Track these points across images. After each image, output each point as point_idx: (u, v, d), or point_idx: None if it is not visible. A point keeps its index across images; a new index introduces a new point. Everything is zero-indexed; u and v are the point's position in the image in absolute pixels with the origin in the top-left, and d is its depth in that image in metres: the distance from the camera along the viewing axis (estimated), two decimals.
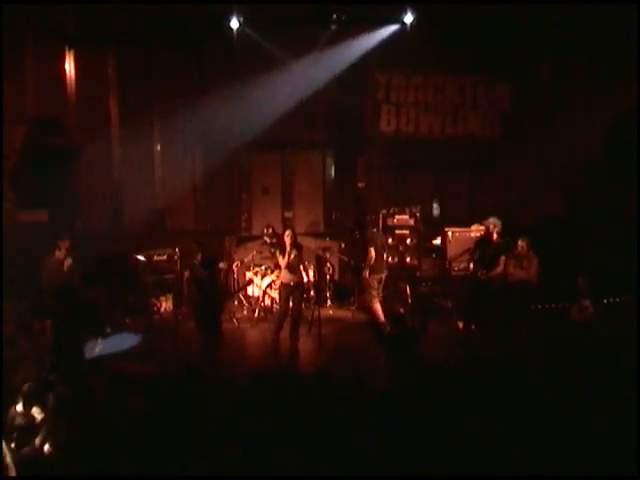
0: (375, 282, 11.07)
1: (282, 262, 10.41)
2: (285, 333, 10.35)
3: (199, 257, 10.06)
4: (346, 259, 12.92)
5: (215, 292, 10.34)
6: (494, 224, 10.75)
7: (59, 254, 10.19)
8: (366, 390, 5.86)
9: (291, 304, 10.45)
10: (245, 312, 12.38)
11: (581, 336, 9.68)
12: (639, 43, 11.03)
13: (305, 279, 11.14)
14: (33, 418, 5.99)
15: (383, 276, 11.21)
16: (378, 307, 11.02)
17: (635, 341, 6.72)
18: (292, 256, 10.33)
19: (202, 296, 9.99)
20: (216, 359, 9.36)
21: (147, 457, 5.00)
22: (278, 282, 11.38)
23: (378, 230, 12.08)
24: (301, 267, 10.68)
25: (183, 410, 5.62)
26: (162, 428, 5.34)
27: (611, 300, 10.93)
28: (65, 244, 10.23)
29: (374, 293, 11.07)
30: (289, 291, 10.44)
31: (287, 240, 10.36)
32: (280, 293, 10.85)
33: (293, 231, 10.62)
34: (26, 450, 5.65)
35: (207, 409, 5.75)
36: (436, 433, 4.92)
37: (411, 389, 6.25)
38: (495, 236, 10.78)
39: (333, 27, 12.86)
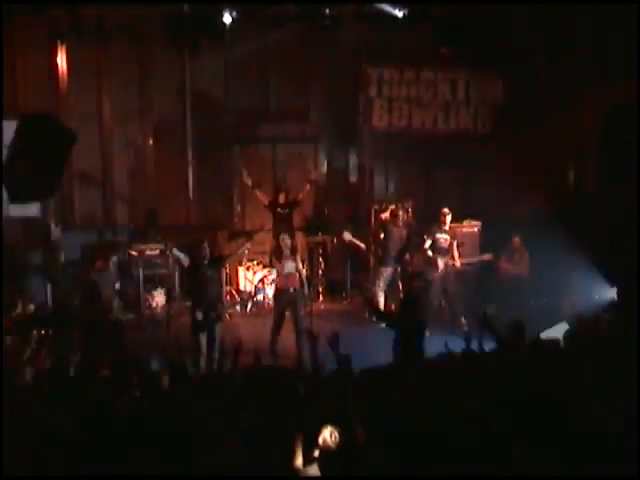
0: (385, 273, 11.26)
1: (279, 268, 9.93)
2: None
3: (205, 255, 9.34)
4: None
5: (218, 297, 9.82)
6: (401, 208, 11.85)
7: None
8: (361, 385, 5.86)
9: (289, 312, 9.87)
10: (237, 307, 12.40)
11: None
12: (639, 43, 11.04)
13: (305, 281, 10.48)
14: None
15: (391, 269, 11.36)
16: (381, 300, 11.12)
17: (630, 337, 6.74)
18: (290, 261, 9.85)
19: (202, 299, 9.30)
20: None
21: (140, 455, 4.99)
22: (272, 288, 11.22)
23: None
24: (299, 271, 10.09)
25: (175, 405, 5.61)
26: (155, 424, 5.32)
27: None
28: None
29: (381, 285, 11.22)
30: (286, 299, 9.85)
31: (282, 244, 9.94)
32: (275, 300, 10.23)
33: (289, 235, 10.29)
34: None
35: (199, 404, 5.74)
36: (429, 429, 4.93)
37: (404, 384, 6.25)
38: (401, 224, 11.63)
39: (326, 22, 12.84)
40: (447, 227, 11.41)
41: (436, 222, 11.45)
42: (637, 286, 9.67)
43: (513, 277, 11.30)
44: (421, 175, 14.40)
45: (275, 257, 10.00)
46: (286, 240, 9.94)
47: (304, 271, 10.77)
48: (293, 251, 10.01)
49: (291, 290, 9.81)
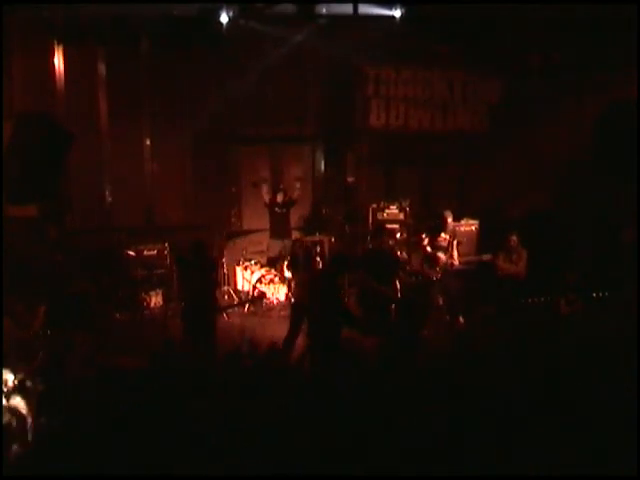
0: None
1: (297, 278, 9.18)
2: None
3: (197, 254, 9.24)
4: None
5: (210, 296, 9.49)
6: None
7: None
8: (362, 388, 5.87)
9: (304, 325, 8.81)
10: (236, 308, 12.38)
11: (570, 330, 9.73)
12: (639, 42, 11.06)
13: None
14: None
15: None
16: None
17: (627, 335, 6.76)
18: (305, 271, 9.13)
19: (193, 297, 9.23)
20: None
21: (136, 453, 5.00)
22: (280, 298, 11.18)
23: None
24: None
25: (172, 406, 5.61)
26: (150, 424, 5.33)
27: (600, 294, 11.00)
28: None
29: None
30: (302, 312, 8.80)
31: (301, 252, 9.33)
32: (292, 312, 9.26)
33: (303, 242, 9.78)
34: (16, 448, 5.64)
35: (197, 404, 5.74)
36: (426, 429, 4.94)
37: (402, 384, 6.26)
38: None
39: (322, 21, 12.86)
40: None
41: (436, 222, 11.47)
42: (637, 285, 9.69)
43: (511, 276, 11.30)
44: (418, 174, 14.41)
45: (293, 266, 9.33)
46: (301, 248, 9.47)
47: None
48: (310, 259, 9.33)
49: (306, 303, 8.82)
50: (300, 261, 9.24)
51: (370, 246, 12.14)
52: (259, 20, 12.72)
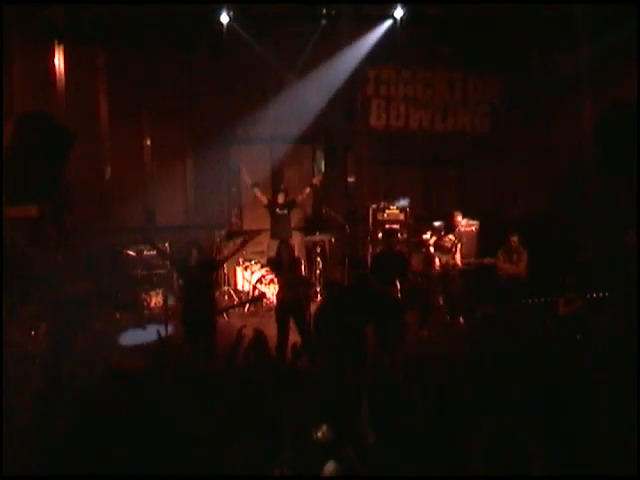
0: None
1: (280, 280, 9.44)
2: None
3: (195, 258, 9.14)
4: None
5: (210, 301, 9.39)
6: None
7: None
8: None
9: (293, 322, 9.23)
10: (235, 308, 12.39)
11: (570, 330, 9.73)
12: (639, 43, 11.06)
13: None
14: None
15: None
16: None
17: (627, 335, 6.76)
18: (291, 273, 9.30)
19: (193, 302, 9.14)
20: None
21: (136, 453, 5.00)
22: (274, 298, 10.96)
23: None
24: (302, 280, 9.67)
25: (171, 407, 5.61)
26: (150, 424, 5.33)
27: (599, 294, 11.00)
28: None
29: None
30: (288, 312, 9.21)
31: (284, 255, 9.38)
32: (278, 313, 9.39)
33: (289, 244, 9.82)
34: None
35: (197, 406, 5.75)
36: (425, 429, 4.94)
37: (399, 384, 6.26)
38: None
39: (323, 22, 12.84)
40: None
41: (444, 222, 11.50)
42: (637, 285, 9.68)
43: (511, 276, 11.30)
44: (419, 175, 14.41)
45: (276, 269, 9.59)
46: (287, 251, 9.44)
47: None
48: (294, 261, 9.54)
49: (292, 302, 9.27)
50: (285, 264, 9.34)
51: (379, 249, 12.12)
52: (260, 20, 12.71)
